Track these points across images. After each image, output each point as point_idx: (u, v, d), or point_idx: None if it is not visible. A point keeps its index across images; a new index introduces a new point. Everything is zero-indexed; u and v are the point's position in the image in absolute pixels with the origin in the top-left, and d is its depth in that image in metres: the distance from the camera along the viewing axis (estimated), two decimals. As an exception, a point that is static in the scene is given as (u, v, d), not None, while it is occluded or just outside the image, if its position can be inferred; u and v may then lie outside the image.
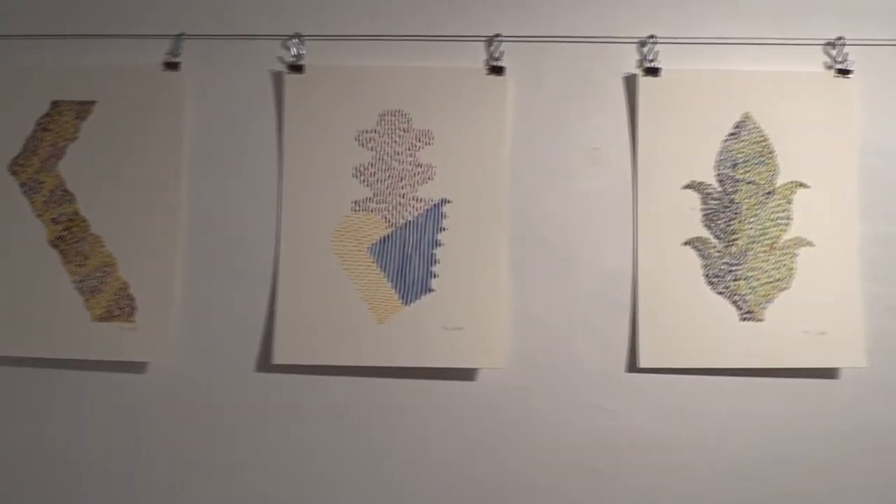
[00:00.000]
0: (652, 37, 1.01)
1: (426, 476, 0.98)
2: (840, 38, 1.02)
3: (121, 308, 0.99)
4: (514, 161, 1.00)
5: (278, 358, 0.97)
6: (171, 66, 1.01)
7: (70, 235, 1.00)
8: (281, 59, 1.01)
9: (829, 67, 1.02)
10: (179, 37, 1.01)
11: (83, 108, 1.02)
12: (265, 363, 0.98)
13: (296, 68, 1.00)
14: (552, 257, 1.00)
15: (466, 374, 0.99)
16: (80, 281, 1.00)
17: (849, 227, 1.00)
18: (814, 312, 0.99)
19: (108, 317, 0.99)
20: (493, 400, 0.99)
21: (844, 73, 1.02)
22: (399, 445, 0.98)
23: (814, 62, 1.02)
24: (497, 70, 1.00)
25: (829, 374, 1.00)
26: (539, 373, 0.99)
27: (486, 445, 0.98)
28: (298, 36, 1.01)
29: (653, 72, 1.00)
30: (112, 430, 0.99)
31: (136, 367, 0.99)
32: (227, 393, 0.99)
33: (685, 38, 1.01)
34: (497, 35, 1.01)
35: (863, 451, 0.99)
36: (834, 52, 1.02)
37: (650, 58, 1.01)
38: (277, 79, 1.01)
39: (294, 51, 1.01)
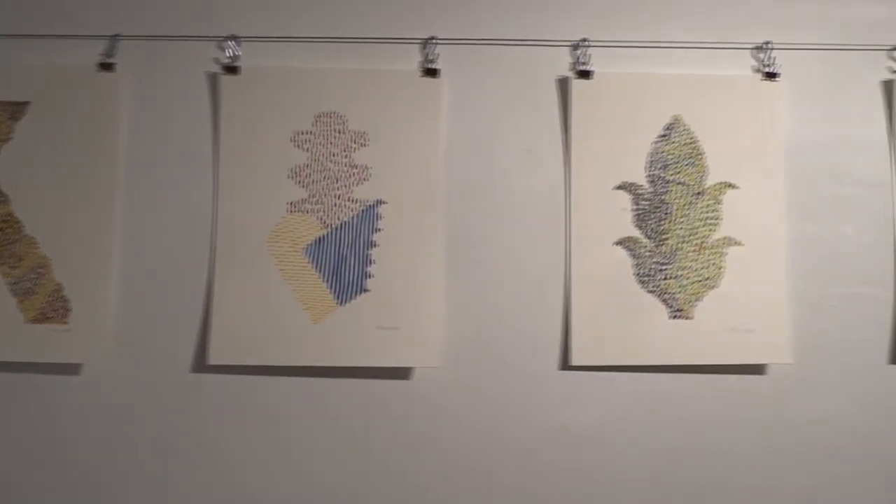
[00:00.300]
0: (584, 40, 1.03)
1: (363, 474, 0.99)
2: (768, 43, 1.04)
3: (55, 310, 0.98)
4: (448, 162, 1.01)
5: (214, 359, 0.98)
6: (106, 66, 1.01)
7: (3, 237, 1.00)
8: (217, 61, 1.02)
9: (757, 71, 1.05)
10: (115, 38, 1.01)
11: (17, 109, 1.01)
12: (201, 364, 0.98)
13: (231, 70, 1.01)
14: (486, 257, 1.01)
15: (401, 373, 1.00)
16: (14, 283, 0.99)
17: (776, 227, 1.03)
18: (742, 310, 1.01)
19: (41, 319, 0.98)
20: (428, 398, 1.00)
21: (771, 76, 1.04)
22: (335, 444, 0.99)
23: (742, 66, 1.05)
24: (432, 72, 1.01)
25: (756, 370, 1.02)
26: (474, 371, 1.00)
27: (421, 443, 0.99)
28: (234, 37, 1.01)
29: (585, 74, 1.02)
30: (47, 432, 0.99)
31: (71, 369, 0.99)
32: (162, 394, 0.99)
33: (617, 42, 1.03)
34: (432, 38, 1.02)
35: (788, 445, 1.01)
36: (762, 57, 1.05)
37: (582, 61, 1.02)
38: (213, 80, 1.01)
39: (229, 52, 1.01)
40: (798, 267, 1.03)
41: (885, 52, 1.06)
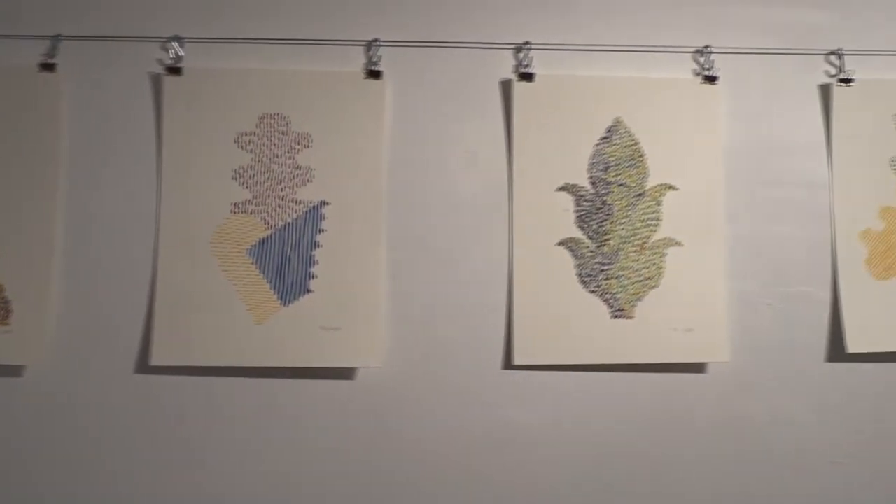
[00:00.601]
0: (527, 43, 1.04)
1: (307, 474, 1.00)
2: (707, 47, 1.06)
3: (-4, 311, 0.98)
4: (391, 164, 1.02)
5: (157, 359, 0.98)
6: (47, 67, 1.01)
7: (-57, 238, 0.99)
8: (160, 62, 1.02)
9: (697, 74, 1.06)
10: (56, 38, 1.01)
11: (-43, 110, 1.01)
12: (144, 365, 0.98)
13: (174, 70, 1.01)
14: (429, 258, 1.02)
15: (345, 373, 1.00)
16: (-45, 284, 0.99)
17: (715, 227, 1.05)
18: (681, 310, 1.03)
19: (-18, 320, 0.98)
20: (371, 398, 1.00)
21: (711, 80, 1.06)
22: (279, 444, 1.00)
23: (683, 69, 1.07)
24: (375, 74, 1.02)
25: (696, 368, 1.04)
26: (418, 371, 1.01)
27: (365, 443, 1.00)
28: (177, 38, 1.01)
29: (527, 77, 1.03)
30: (-12, 435, 0.99)
31: (13, 371, 0.99)
32: (106, 395, 0.99)
33: (559, 45, 1.05)
34: (375, 39, 1.03)
35: (727, 442, 1.03)
36: (702, 60, 1.06)
37: (525, 63, 1.04)
38: (156, 81, 1.01)
39: (172, 53, 1.01)
40: (737, 267, 1.05)
41: (822, 56, 1.09)
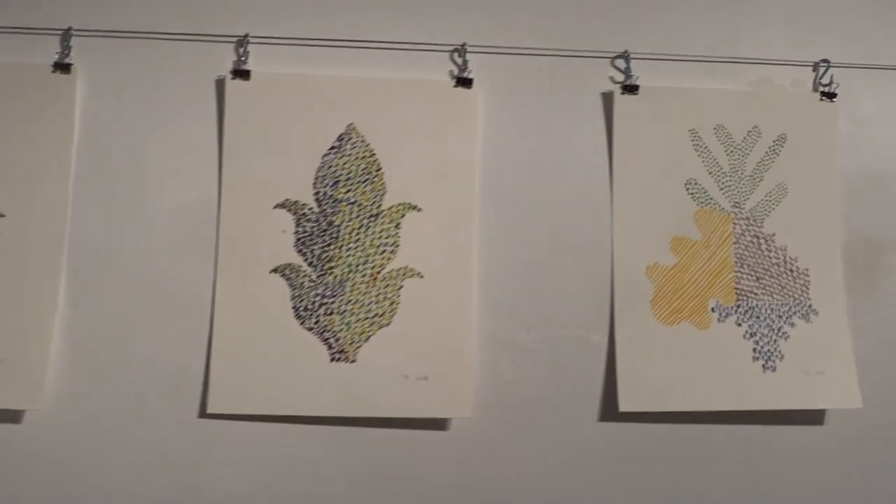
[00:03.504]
0: (247, 36, 0.89)
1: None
2: (464, 45, 0.91)
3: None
4: (83, 171, 0.87)
5: None
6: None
7: None
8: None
9: (453, 76, 0.91)
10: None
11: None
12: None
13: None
14: (120, 282, 0.86)
15: (10, 416, 0.85)
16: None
17: (466, 256, 0.88)
18: (416, 353, 0.86)
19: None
20: (38, 445, 0.84)
21: (466, 82, 0.90)
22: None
23: (438, 70, 0.91)
24: (64, 67, 0.87)
25: (435, 425, 0.87)
26: (93, 414, 0.85)
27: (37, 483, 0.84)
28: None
29: (243, 75, 0.88)
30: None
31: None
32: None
33: (284, 39, 0.90)
34: (70, 27, 0.88)
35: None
36: (459, 60, 0.91)
37: (242, 59, 0.89)
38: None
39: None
40: (492, 304, 0.88)
41: (608, 60, 0.93)
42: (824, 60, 0.95)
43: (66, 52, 0.88)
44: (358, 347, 0.86)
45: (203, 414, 0.85)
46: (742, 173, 0.93)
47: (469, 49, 0.90)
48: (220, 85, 0.89)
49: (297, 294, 0.87)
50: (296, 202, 0.88)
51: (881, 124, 0.96)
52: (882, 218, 0.95)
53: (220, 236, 0.87)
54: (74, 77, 0.88)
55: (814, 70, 0.96)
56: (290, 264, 0.87)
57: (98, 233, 0.87)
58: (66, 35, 0.88)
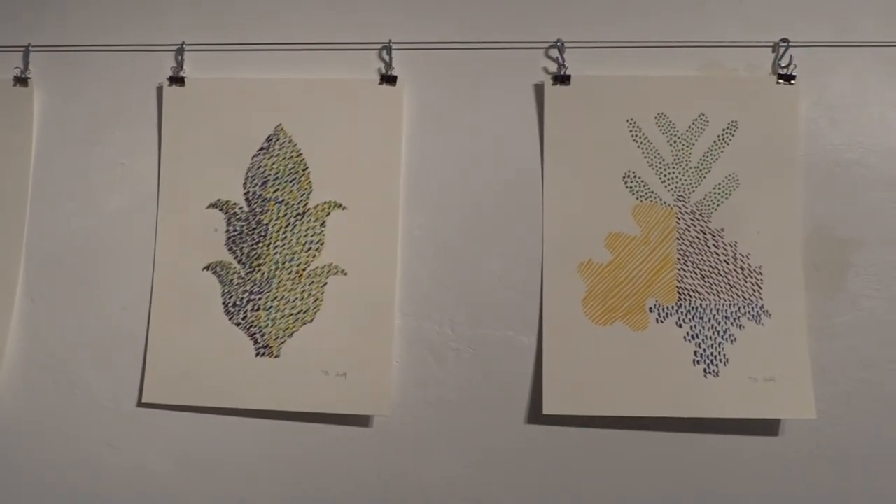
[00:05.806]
0: (184, 43, 0.93)
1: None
2: (390, 42, 0.90)
3: None
4: (35, 173, 0.93)
5: None
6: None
7: None
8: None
9: (381, 75, 0.91)
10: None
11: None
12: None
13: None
14: (70, 281, 0.92)
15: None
16: None
17: (388, 254, 0.88)
18: (336, 350, 0.87)
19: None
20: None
21: (390, 80, 0.90)
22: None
23: (365, 69, 0.91)
24: (23, 81, 0.94)
25: (360, 421, 0.88)
26: (48, 404, 0.91)
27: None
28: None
29: (178, 81, 0.92)
30: None
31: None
32: None
33: (216, 45, 0.92)
34: (28, 45, 0.95)
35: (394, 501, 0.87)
36: (386, 58, 0.91)
37: (180, 66, 0.92)
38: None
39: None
40: (416, 303, 0.88)
41: (542, 50, 0.90)
42: (784, 40, 0.87)
43: (26, 67, 0.95)
44: (282, 343, 0.88)
45: (140, 403, 0.90)
46: (686, 164, 0.87)
47: (396, 46, 0.90)
48: (159, 92, 0.93)
49: (226, 290, 0.90)
50: (227, 202, 0.91)
51: (849, 108, 0.87)
52: (850, 212, 0.86)
53: (157, 235, 0.91)
54: (32, 90, 0.95)
55: (773, 51, 0.88)
56: (221, 262, 0.90)
57: (50, 234, 0.93)
58: (27, 52, 0.95)
